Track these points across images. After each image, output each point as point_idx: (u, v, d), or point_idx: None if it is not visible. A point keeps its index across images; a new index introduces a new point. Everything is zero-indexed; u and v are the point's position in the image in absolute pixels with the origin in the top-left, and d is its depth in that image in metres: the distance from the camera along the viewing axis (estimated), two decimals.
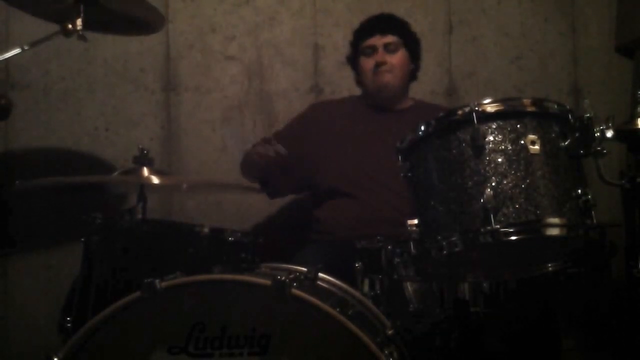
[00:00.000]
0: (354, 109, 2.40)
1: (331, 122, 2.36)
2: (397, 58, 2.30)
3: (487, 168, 1.36)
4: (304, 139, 2.34)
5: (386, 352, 1.38)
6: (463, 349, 1.67)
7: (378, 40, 2.30)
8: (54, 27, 1.82)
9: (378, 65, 2.28)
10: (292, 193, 2.53)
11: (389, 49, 2.29)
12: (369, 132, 2.30)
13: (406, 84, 2.38)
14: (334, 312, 1.36)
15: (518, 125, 1.38)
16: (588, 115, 1.39)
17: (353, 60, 2.39)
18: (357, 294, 1.70)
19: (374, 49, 2.30)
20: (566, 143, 1.39)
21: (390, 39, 2.30)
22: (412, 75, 2.40)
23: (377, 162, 2.19)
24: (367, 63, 2.31)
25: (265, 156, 2.07)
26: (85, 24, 1.78)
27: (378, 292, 1.73)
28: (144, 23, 2.04)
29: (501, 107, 1.40)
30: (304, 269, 1.62)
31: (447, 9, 2.82)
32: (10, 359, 2.51)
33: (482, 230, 1.34)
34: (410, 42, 2.35)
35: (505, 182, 1.34)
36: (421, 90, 2.65)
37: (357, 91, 2.47)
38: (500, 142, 1.37)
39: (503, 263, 1.58)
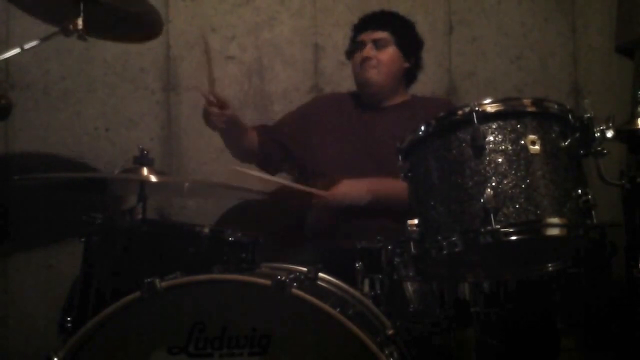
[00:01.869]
0: (343, 104, 2.40)
1: (323, 115, 2.38)
2: (386, 54, 2.28)
3: (487, 168, 1.36)
4: (300, 127, 2.36)
5: (386, 352, 1.38)
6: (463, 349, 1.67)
7: (368, 36, 2.30)
8: (54, 27, 1.82)
9: (363, 60, 2.28)
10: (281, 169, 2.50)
11: (378, 44, 2.28)
12: (351, 129, 2.31)
13: (395, 82, 2.33)
14: (334, 312, 1.36)
15: (518, 125, 1.38)
16: (588, 115, 1.39)
17: (350, 55, 2.38)
18: (357, 294, 1.70)
19: (363, 44, 2.30)
20: (566, 143, 1.39)
21: (380, 34, 2.29)
22: (409, 74, 2.38)
23: (359, 158, 2.20)
24: (356, 58, 2.32)
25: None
26: (85, 28, 1.78)
27: (378, 292, 1.73)
28: (145, 23, 2.03)
29: (501, 107, 1.40)
30: (304, 269, 1.62)
31: (447, 9, 2.82)
32: (10, 359, 2.51)
33: (482, 230, 1.33)
34: (404, 40, 2.32)
35: (505, 182, 1.34)
36: (421, 90, 2.64)
37: None
38: (501, 142, 1.37)
39: (503, 263, 1.58)
